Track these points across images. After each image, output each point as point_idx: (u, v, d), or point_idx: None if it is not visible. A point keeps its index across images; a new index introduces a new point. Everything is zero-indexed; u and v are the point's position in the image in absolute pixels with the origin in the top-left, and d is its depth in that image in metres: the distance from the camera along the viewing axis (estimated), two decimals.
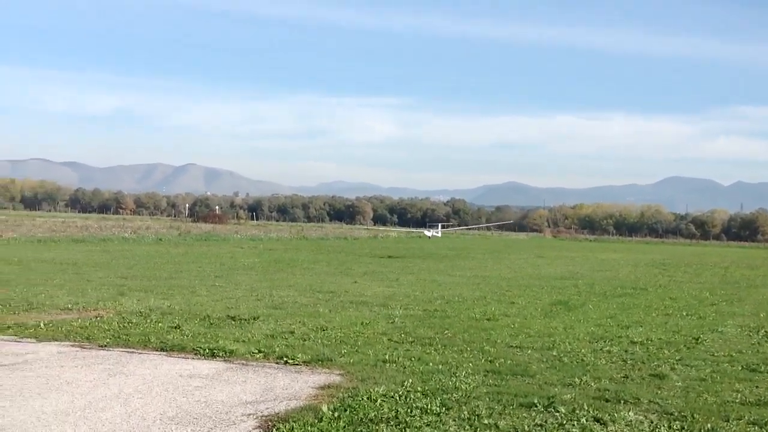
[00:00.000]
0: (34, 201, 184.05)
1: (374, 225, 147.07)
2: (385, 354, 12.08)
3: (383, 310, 17.80)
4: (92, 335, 13.23)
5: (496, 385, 10.25)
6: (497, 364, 11.65)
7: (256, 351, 12.08)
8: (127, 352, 12.09)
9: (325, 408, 8.66)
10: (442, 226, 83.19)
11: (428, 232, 69.38)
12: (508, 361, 11.91)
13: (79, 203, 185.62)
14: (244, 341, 12.88)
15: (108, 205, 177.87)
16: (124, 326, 14.21)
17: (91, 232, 60.83)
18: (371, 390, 9.59)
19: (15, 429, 7.78)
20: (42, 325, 14.04)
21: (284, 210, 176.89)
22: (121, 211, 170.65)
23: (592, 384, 10.53)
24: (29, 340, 12.90)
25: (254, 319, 15.50)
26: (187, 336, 13.27)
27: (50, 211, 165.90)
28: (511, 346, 13.39)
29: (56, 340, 12.86)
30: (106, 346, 12.48)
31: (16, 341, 12.74)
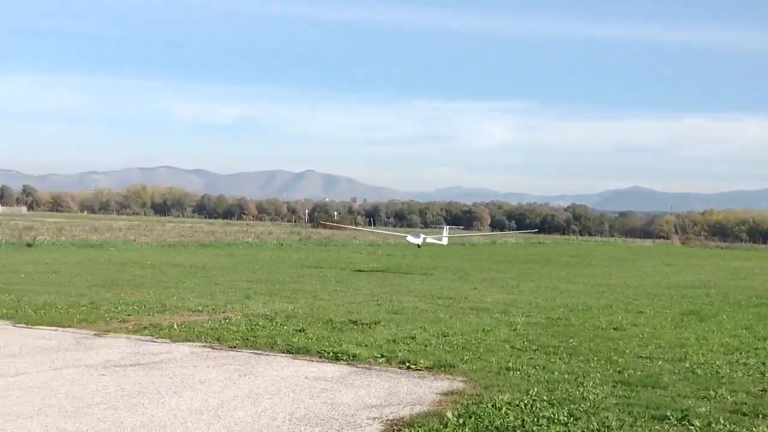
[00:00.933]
0: (163, 207, 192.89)
1: (492, 231, 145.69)
2: (509, 361, 11.93)
3: (504, 317, 17.59)
4: (222, 336, 13.69)
5: (625, 397, 9.93)
6: (626, 375, 11.28)
7: (379, 355, 12.18)
8: (255, 353, 12.44)
9: (449, 414, 8.63)
10: (450, 229, 49.04)
11: (414, 238, 37.30)
12: (638, 372, 11.51)
13: (205, 209, 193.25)
14: (366, 345, 13.01)
15: (232, 211, 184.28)
16: (251, 328, 14.63)
17: (217, 237, 63.14)
18: (495, 397, 9.48)
19: (154, 426, 8.13)
20: (175, 326, 14.65)
21: (401, 216, 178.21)
22: (244, 216, 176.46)
23: (728, 397, 10.04)
24: (164, 340, 13.48)
25: (375, 323, 15.64)
26: (312, 339, 13.53)
27: (178, 216, 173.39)
28: (641, 357, 12.93)
29: (189, 341, 13.39)
30: (235, 347, 12.89)
31: (152, 341, 13.35)
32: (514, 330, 15.52)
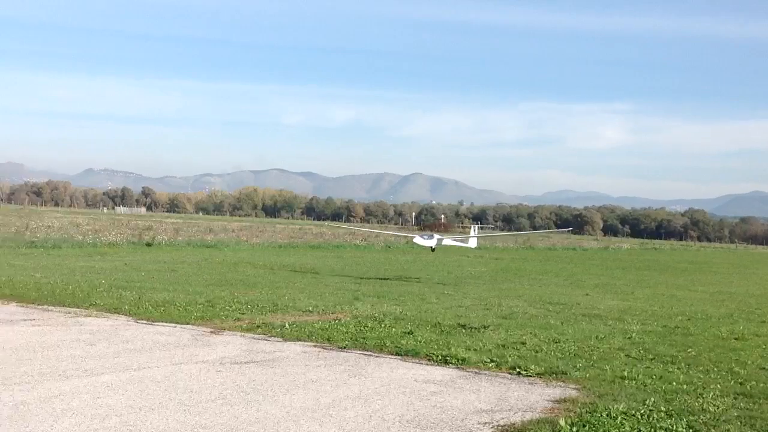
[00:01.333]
0: (273, 209, 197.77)
1: (604, 236, 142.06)
2: (623, 370, 11.57)
3: (619, 325, 17.09)
4: (332, 337, 13.87)
5: (748, 409, 9.47)
6: (748, 387, 10.76)
7: (488, 360, 12.06)
8: (365, 354, 12.54)
9: (562, 422, 8.43)
10: (480, 228, 46.67)
11: (425, 239, 30.11)
12: (761, 384, 10.96)
13: (314, 211, 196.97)
14: (475, 350, 12.90)
15: (340, 213, 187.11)
16: (360, 330, 14.76)
17: (326, 239, 64.15)
18: (610, 407, 9.21)
19: (268, 422, 8.31)
20: (287, 325, 14.95)
21: (509, 219, 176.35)
22: (351, 218, 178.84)
23: None
24: (276, 339, 13.78)
25: (484, 328, 15.49)
26: (420, 342, 13.52)
27: (288, 218, 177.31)
28: (764, 368, 12.31)
29: (300, 340, 13.63)
30: (345, 347, 13.03)
31: (265, 339, 13.66)
32: (629, 338, 15.06)
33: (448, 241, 32.68)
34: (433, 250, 31.15)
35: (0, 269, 25.03)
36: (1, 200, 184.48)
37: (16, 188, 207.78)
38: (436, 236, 30.32)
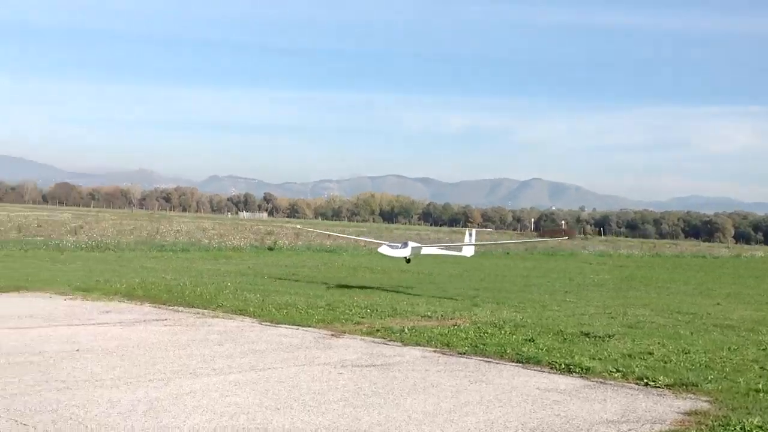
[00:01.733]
0: (390, 214, 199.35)
1: (736, 243, 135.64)
2: (758, 383, 10.97)
3: (752, 336, 16.23)
4: (451, 342, 13.82)
5: None
6: None
7: (614, 370, 11.70)
8: (485, 361, 12.43)
9: None
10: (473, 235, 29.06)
11: (395, 249, 24.60)
12: None
13: (431, 217, 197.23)
14: (600, 359, 12.54)
15: (457, 219, 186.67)
16: (480, 336, 14.63)
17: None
18: (744, 420, 8.76)
19: (390, 425, 8.35)
20: (406, 330, 15.00)
21: (633, 225, 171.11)
22: (469, 224, 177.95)
23: None
24: (395, 343, 13.86)
25: (609, 337, 15.03)
26: (542, 350, 13.26)
27: (405, 223, 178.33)
28: None
29: (419, 345, 13.66)
30: (465, 353, 12.96)
31: (384, 344, 13.77)
32: (763, 350, 14.29)
33: (430, 249, 26.82)
34: (408, 260, 25.19)
35: (134, 271, 26.32)
36: (134, 205, 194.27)
37: (147, 194, 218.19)
38: (412, 244, 24.60)
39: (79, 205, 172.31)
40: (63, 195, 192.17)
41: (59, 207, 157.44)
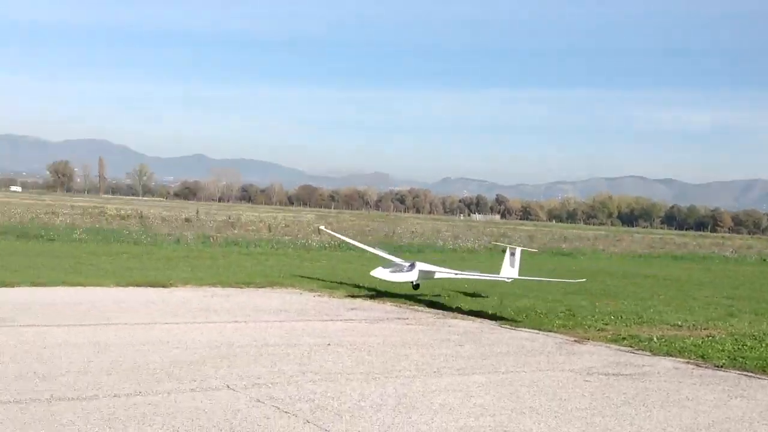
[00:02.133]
0: (629, 217, 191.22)
1: None
2: None
3: None
4: (706, 354, 12.94)
5: None
6: None
7: None
8: (745, 375, 11.51)
9: None
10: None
11: (396, 273, 18.91)
12: None
13: (675, 220, 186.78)
14: None
15: (704, 222, 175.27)
16: (738, 348, 13.59)
17: (690, 250, 60.45)
18: None
19: None
20: (654, 339, 14.25)
21: None
22: (718, 228, 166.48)
23: None
24: (644, 352, 13.20)
25: None
26: None
27: (646, 227, 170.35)
28: None
29: (670, 356, 12.91)
30: (722, 366, 12.09)
31: (631, 352, 13.17)
32: None
33: (446, 273, 20.44)
34: (415, 286, 19.76)
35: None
36: (370, 206, 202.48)
37: (382, 196, 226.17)
38: (420, 266, 19.41)
39: (321, 206, 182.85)
40: (306, 196, 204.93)
41: (303, 208, 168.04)
